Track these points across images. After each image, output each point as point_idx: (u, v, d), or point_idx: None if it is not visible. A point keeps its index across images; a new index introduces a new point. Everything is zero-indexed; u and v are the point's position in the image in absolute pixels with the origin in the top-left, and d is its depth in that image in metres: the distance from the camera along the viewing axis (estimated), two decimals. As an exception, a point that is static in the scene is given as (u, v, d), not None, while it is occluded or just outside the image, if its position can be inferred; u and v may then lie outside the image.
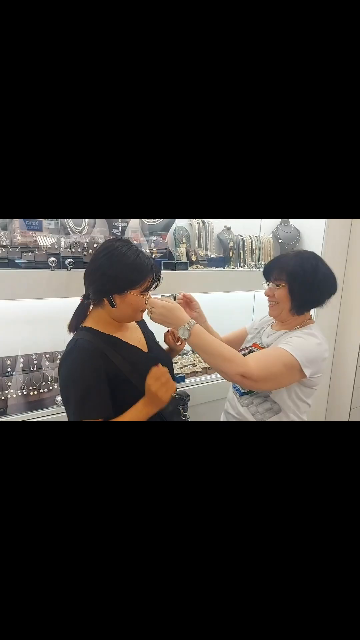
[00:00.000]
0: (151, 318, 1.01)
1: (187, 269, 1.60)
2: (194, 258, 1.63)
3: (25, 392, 1.39)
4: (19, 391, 1.38)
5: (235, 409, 1.20)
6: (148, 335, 1.16)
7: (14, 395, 1.37)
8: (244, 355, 1.20)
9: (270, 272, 1.13)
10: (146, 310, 1.01)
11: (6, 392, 1.37)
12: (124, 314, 0.99)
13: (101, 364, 0.92)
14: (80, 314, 1.04)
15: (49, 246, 1.36)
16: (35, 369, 1.46)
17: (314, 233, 2.09)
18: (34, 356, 1.47)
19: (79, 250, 1.40)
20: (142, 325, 1.17)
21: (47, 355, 1.49)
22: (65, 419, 0.97)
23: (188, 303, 1.23)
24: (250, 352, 1.20)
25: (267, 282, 1.15)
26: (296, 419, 1.13)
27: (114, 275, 0.93)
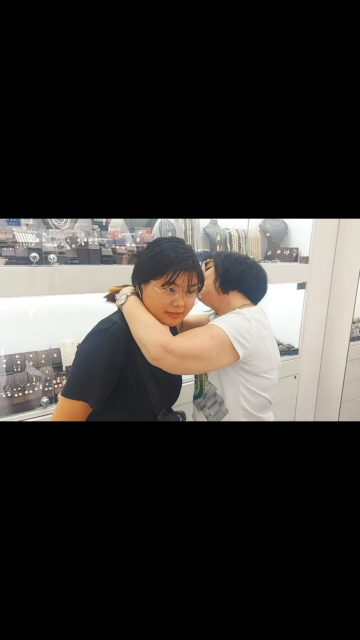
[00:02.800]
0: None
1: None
2: (180, 253, 1.60)
3: (9, 394, 1.35)
4: (2, 393, 1.33)
5: (194, 415, 1.18)
6: None
7: (-3, 397, 1.33)
8: None
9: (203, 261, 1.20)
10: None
11: (-12, 394, 1.32)
12: (149, 308, 0.94)
13: (122, 360, 0.90)
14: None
15: (30, 241, 1.31)
16: (19, 369, 1.41)
17: (302, 226, 2.08)
18: (17, 356, 1.42)
19: (62, 245, 1.36)
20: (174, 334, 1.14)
21: (30, 355, 1.44)
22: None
23: None
24: None
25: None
26: (249, 419, 1.04)
27: (142, 263, 0.94)
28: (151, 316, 0.93)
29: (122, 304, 0.96)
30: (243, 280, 1.09)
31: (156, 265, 0.90)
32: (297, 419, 2.30)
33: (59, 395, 0.92)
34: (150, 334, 0.88)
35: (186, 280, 0.91)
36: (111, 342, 0.89)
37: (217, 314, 1.17)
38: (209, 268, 1.15)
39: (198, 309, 1.42)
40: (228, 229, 1.84)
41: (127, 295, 0.96)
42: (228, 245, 1.81)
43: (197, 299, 1.03)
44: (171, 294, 0.91)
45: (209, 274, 1.13)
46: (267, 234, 2.05)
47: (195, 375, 1.16)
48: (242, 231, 1.86)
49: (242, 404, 1.03)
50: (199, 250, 1.70)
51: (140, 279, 0.95)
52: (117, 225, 1.56)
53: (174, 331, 1.20)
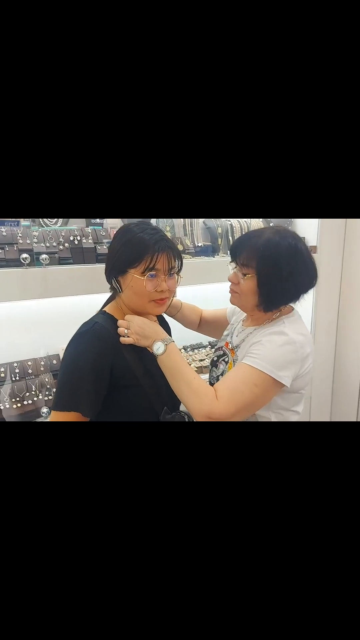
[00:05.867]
0: (126, 339, 0.87)
1: (174, 259, 1.49)
2: (180, 248, 1.52)
3: (7, 405, 1.28)
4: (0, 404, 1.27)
5: None
6: None
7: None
8: (218, 356, 1.09)
9: (237, 252, 0.93)
10: (122, 330, 0.87)
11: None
12: (133, 302, 0.88)
13: (109, 361, 0.83)
14: (108, 302, 0.97)
15: (21, 242, 1.25)
16: (17, 378, 1.34)
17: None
18: (15, 364, 1.36)
19: (54, 244, 1.29)
20: (165, 328, 1.07)
21: (29, 363, 1.37)
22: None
23: None
24: (222, 355, 1.08)
25: (233, 264, 0.95)
26: None
27: (115, 254, 0.86)
28: (192, 372, 0.87)
29: (160, 355, 0.86)
30: (297, 295, 0.92)
31: (132, 252, 0.83)
32: (313, 419, 2.19)
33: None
34: (192, 400, 0.83)
35: (166, 262, 0.85)
36: (94, 343, 0.83)
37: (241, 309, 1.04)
38: (247, 277, 0.91)
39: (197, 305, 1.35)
40: (229, 221, 1.75)
41: (166, 344, 0.86)
42: (230, 238, 1.72)
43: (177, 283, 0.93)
44: (153, 280, 0.85)
45: (247, 290, 0.92)
46: (271, 224, 1.96)
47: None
48: (245, 222, 1.78)
49: (270, 419, 0.95)
50: (199, 244, 1.62)
51: (116, 272, 0.87)
52: (115, 225, 1.49)
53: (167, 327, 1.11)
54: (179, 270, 0.92)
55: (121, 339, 0.87)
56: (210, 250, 1.64)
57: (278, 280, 0.88)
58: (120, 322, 0.89)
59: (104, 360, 0.83)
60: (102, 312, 0.94)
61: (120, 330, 0.87)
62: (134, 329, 0.87)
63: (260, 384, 0.84)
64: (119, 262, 0.86)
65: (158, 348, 0.87)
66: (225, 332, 1.16)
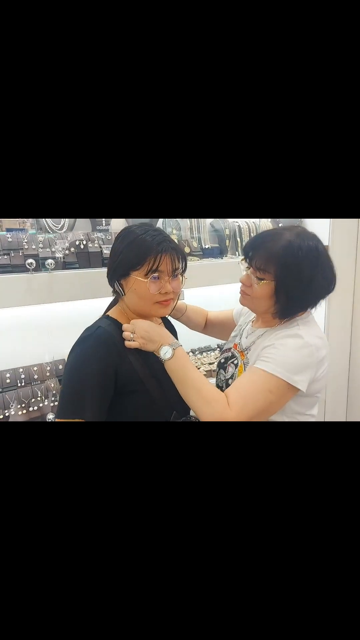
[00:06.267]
0: (131, 343, 0.84)
1: (181, 262, 1.47)
2: (187, 250, 1.50)
3: (12, 412, 1.26)
4: (5, 411, 1.26)
5: None
6: None
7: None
8: (226, 358, 1.05)
9: (252, 254, 0.87)
10: (128, 334, 0.85)
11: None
12: (136, 305, 0.86)
13: (113, 366, 0.80)
14: (111, 306, 0.95)
15: (27, 247, 1.24)
16: (22, 384, 1.33)
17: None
18: (21, 370, 1.35)
19: (60, 249, 1.28)
20: (172, 331, 1.04)
21: (35, 368, 1.36)
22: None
23: None
24: (230, 357, 1.04)
25: (246, 265, 0.89)
26: None
27: (117, 257, 0.84)
28: (201, 377, 0.83)
29: (168, 359, 0.84)
30: (315, 302, 0.88)
31: (135, 255, 0.81)
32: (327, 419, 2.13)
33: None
34: (203, 407, 0.80)
35: (169, 263, 0.83)
36: (97, 348, 0.80)
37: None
38: (262, 283, 0.86)
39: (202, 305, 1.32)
40: (237, 222, 1.72)
41: (174, 349, 0.83)
42: (238, 240, 1.69)
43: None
44: (157, 282, 0.82)
45: (262, 295, 0.87)
46: (280, 224, 1.92)
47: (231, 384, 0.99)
48: (253, 223, 1.74)
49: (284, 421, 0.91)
50: (207, 247, 1.60)
51: (118, 274, 0.85)
52: (118, 227, 1.48)
53: (171, 328, 1.08)
54: (184, 271, 0.89)
55: (126, 343, 0.84)
56: (217, 252, 1.61)
57: (297, 288, 0.83)
58: (125, 326, 0.86)
59: (107, 365, 0.80)
60: (105, 317, 0.92)
61: (126, 334, 0.85)
62: (139, 332, 0.84)
63: (276, 390, 0.80)
64: (121, 265, 0.83)
65: (165, 352, 0.84)
66: (233, 334, 1.13)
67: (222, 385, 1.03)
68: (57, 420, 0.80)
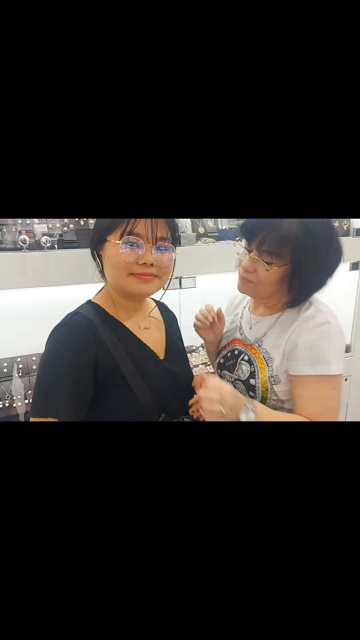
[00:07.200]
0: (204, 414, 0.73)
1: (194, 244, 1.31)
2: (201, 230, 1.34)
3: (7, 404, 1.16)
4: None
5: None
6: (172, 339, 0.88)
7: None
8: (226, 357, 0.95)
9: (257, 237, 0.78)
10: (218, 407, 0.71)
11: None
12: (112, 279, 0.76)
13: (92, 356, 0.69)
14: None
15: (20, 222, 1.11)
16: (21, 374, 1.22)
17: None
18: (5, 363, 1.23)
19: (57, 226, 1.14)
20: (170, 324, 0.91)
21: (19, 359, 1.24)
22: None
23: (219, 318, 0.96)
24: (234, 356, 0.92)
25: (247, 249, 0.82)
26: None
27: (97, 222, 0.76)
28: (281, 414, 0.81)
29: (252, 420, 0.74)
30: (330, 278, 0.83)
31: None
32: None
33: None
34: None
35: (149, 230, 0.70)
36: (73, 336, 0.70)
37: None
38: (273, 268, 0.79)
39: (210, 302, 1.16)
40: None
41: (253, 410, 0.74)
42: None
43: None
44: (133, 249, 0.70)
45: (270, 280, 0.80)
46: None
47: (254, 383, 0.89)
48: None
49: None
50: (224, 227, 1.43)
51: (95, 242, 0.75)
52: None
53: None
54: (175, 244, 0.77)
55: (212, 414, 0.71)
56: (235, 234, 1.44)
57: (315, 270, 0.77)
58: (209, 386, 0.71)
59: (85, 356, 0.69)
60: (87, 302, 0.82)
61: (215, 407, 0.70)
62: (228, 402, 0.71)
63: (337, 386, 0.82)
64: (97, 229, 0.74)
65: (248, 416, 0.73)
66: (229, 328, 1.00)
67: (236, 384, 0.92)
68: (31, 419, 0.69)
